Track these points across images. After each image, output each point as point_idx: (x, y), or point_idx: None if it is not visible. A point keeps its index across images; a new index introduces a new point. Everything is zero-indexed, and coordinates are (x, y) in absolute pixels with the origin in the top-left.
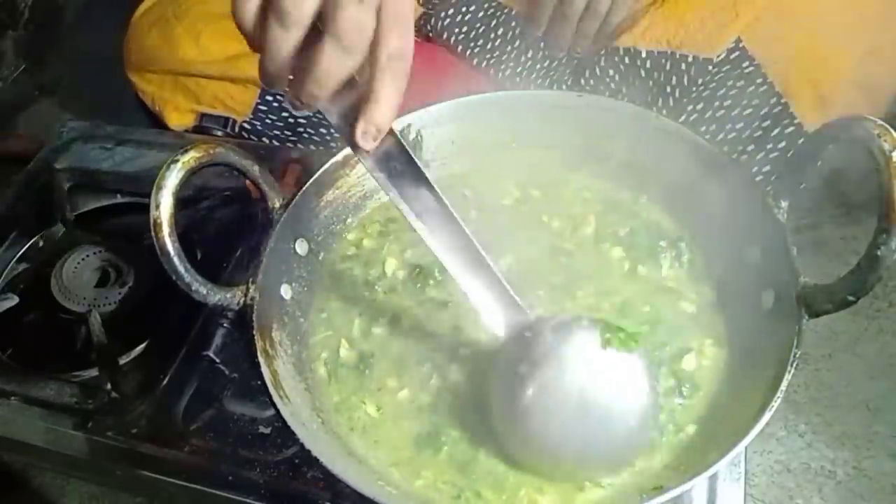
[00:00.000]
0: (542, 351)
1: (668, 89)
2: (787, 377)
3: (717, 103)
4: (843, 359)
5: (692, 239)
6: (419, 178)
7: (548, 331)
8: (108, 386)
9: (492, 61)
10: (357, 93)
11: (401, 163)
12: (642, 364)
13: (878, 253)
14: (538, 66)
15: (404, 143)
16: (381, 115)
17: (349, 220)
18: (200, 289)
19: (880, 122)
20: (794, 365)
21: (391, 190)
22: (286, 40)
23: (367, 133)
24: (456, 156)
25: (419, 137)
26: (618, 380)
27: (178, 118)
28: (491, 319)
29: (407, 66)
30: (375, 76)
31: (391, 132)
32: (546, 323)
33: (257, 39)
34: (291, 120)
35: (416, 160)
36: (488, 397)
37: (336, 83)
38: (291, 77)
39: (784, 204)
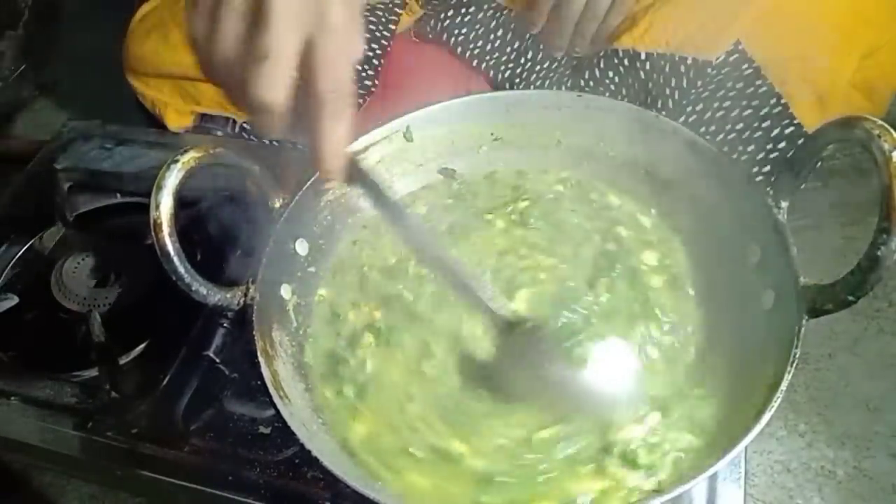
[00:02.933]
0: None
1: (668, 91)
2: (787, 377)
3: (716, 104)
4: (843, 359)
5: (692, 239)
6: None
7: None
8: (108, 386)
9: (492, 62)
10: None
11: (369, 188)
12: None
13: (879, 253)
14: (538, 66)
15: (362, 169)
16: (328, 154)
17: (350, 220)
18: (200, 289)
19: (880, 122)
20: (794, 365)
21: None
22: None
23: (325, 171)
24: (455, 156)
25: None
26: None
27: (178, 120)
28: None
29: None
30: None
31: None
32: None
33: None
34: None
35: (379, 185)
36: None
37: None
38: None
39: (784, 204)
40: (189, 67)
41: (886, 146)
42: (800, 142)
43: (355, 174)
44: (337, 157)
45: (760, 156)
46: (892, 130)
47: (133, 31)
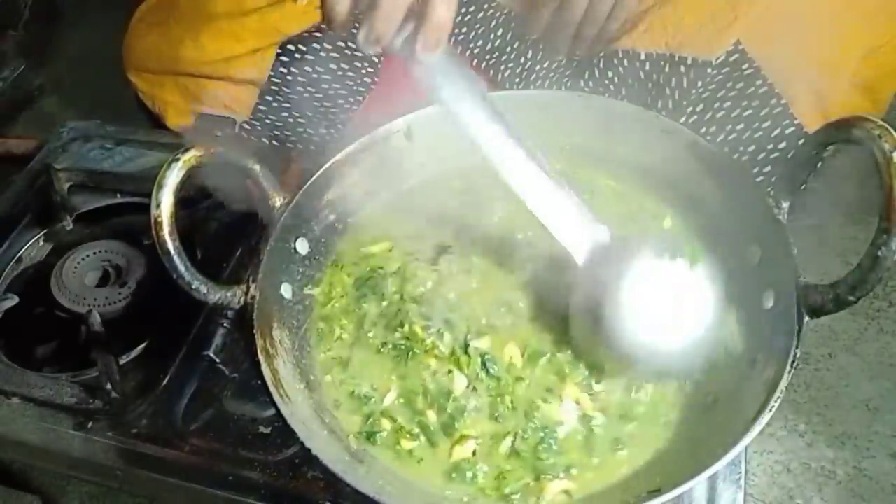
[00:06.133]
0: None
1: (668, 91)
2: (787, 377)
3: (716, 105)
4: (843, 359)
5: (692, 238)
6: (477, 94)
7: (626, 250)
8: (108, 386)
9: (492, 62)
10: (415, 17)
11: (457, 78)
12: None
13: (879, 253)
14: (538, 66)
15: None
16: (439, 19)
17: (350, 220)
18: (201, 287)
19: (880, 122)
20: (794, 365)
21: (455, 109)
22: None
23: (428, 41)
24: (456, 155)
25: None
26: (686, 290)
27: (178, 119)
28: (572, 243)
29: None
30: None
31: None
32: (622, 243)
33: None
34: (291, 120)
35: (471, 76)
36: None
37: (401, 16)
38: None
39: (784, 204)
40: (189, 63)
41: (886, 146)
42: (800, 142)
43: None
44: (447, 27)
45: (761, 156)
46: (892, 130)
47: (134, 27)
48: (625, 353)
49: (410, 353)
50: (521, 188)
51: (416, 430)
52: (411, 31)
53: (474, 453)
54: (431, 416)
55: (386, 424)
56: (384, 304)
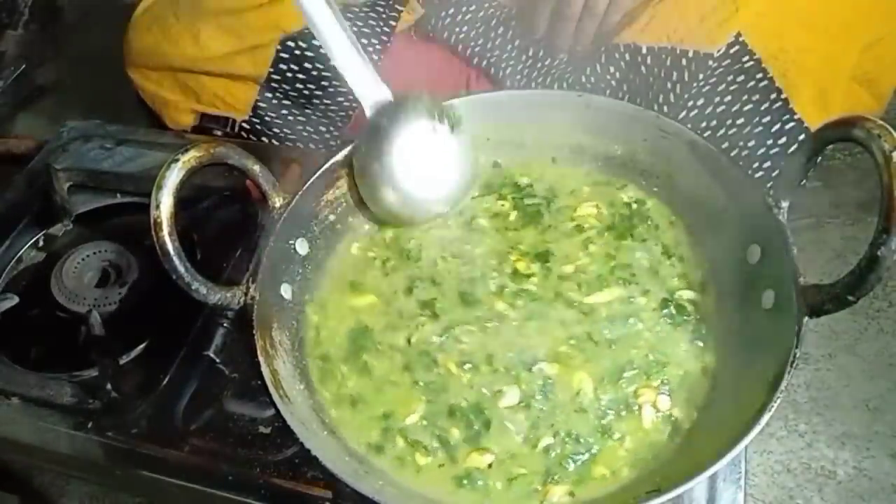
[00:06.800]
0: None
1: (669, 85)
2: (787, 377)
3: (717, 98)
4: (843, 359)
5: (691, 238)
6: None
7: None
8: (108, 386)
9: (492, 61)
10: None
11: None
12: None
13: (879, 253)
14: (538, 65)
15: None
16: None
17: (350, 220)
18: (200, 288)
19: (880, 122)
20: (794, 365)
21: None
22: None
23: None
24: None
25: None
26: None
27: (178, 117)
28: (362, 94)
29: None
30: None
31: None
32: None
33: None
34: (291, 118)
35: None
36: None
37: None
38: None
39: (784, 204)
40: (189, 60)
41: (886, 146)
42: (800, 137)
43: None
44: None
45: (761, 151)
46: (892, 130)
47: (134, 25)
48: (399, 193)
49: (444, 385)
50: (328, 42)
51: (436, 445)
52: None
53: (490, 466)
54: (455, 433)
55: (399, 441)
56: (395, 357)
